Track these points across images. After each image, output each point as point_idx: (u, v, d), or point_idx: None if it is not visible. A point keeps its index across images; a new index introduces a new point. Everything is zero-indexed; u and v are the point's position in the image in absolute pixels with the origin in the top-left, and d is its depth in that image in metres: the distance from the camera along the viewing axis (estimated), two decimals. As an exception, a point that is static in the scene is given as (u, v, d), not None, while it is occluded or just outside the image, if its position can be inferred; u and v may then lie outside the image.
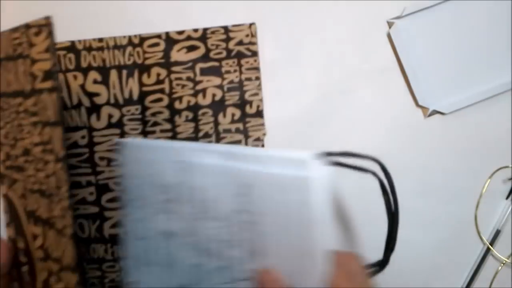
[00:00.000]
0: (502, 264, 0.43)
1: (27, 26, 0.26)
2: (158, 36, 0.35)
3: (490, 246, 0.43)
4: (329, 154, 0.29)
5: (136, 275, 0.31)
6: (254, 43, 0.32)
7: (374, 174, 0.31)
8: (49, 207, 0.27)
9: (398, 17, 0.42)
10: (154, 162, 0.29)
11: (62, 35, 0.35)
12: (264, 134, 0.33)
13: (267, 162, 0.27)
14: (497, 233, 0.43)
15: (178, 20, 0.37)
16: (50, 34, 0.25)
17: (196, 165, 0.29)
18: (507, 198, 0.43)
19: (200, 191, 0.29)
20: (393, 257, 0.43)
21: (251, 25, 0.33)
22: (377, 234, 0.33)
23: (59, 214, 0.26)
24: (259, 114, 0.33)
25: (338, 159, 0.29)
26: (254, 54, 0.32)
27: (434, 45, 0.42)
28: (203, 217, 0.29)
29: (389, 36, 0.42)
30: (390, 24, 0.42)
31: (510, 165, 0.43)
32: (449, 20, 0.42)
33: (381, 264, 0.34)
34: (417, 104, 0.43)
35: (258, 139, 0.32)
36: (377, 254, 0.33)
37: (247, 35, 0.32)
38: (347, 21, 0.42)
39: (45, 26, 0.25)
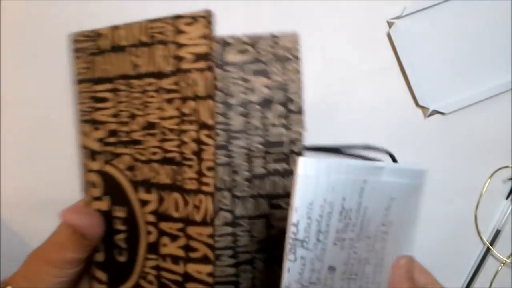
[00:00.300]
0: (502, 264, 0.43)
1: (177, 17, 0.30)
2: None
3: (490, 246, 0.43)
4: (349, 147, 0.36)
5: None
6: (297, 49, 0.34)
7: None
8: (175, 172, 0.30)
9: (398, 17, 0.41)
10: (345, 183, 0.26)
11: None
12: (304, 128, 0.35)
13: (405, 175, 0.29)
14: (497, 233, 0.43)
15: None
16: (210, 24, 0.29)
17: (372, 184, 0.27)
18: (507, 198, 0.43)
19: (364, 212, 0.28)
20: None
21: (295, 34, 0.35)
22: None
23: (192, 176, 0.30)
24: (299, 111, 0.34)
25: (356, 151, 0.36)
26: (297, 58, 0.35)
27: (434, 45, 0.42)
28: (357, 240, 0.28)
29: (389, 36, 0.42)
30: (390, 24, 0.42)
31: (510, 165, 0.43)
32: (449, 20, 0.42)
33: None
34: (417, 104, 0.43)
35: (298, 132, 0.34)
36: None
37: (291, 42, 0.34)
38: (347, 21, 0.42)
39: (202, 17, 0.29)
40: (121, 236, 0.32)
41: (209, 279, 0.30)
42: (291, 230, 0.26)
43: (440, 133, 0.43)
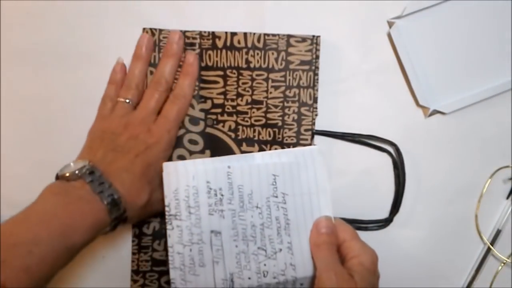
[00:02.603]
0: (503, 264, 0.43)
1: (290, 36, 0.42)
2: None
3: (490, 246, 0.43)
4: (355, 135, 0.42)
5: (182, 284, 0.36)
6: (318, 50, 0.42)
7: (389, 152, 0.43)
8: (276, 133, 0.42)
9: (398, 17, 0.42)
10: (204, 172, 0.37)
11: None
12: (316, 115, 0.42)
13: (284, 156, 0.38)
14: (498, 233, 0.43)
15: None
16: (314, 43, 0.42)
17: (237, 168, 0.37)
18: (507, 198, 0.44)
19: (238, 189, 0.37)
20: (393, 257, 0.43)
21: (317, 37, 0.42)
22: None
23: (291, 135, 0.42)
24: (315, 100, 0.42)
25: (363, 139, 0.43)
26: (317, 57, 0.42)
27: (434, 45, 0.42)
28: (241, 210, 0.37)
29: (389, 36, 0.42)
30: (390, 24, 0.42)
31: (510, 165, 0.43)
32: (449, 20, 0.42)
33: (387, 221, 0.43)
34: (417, 104, 0.43)
35: (313, 118, 0.42)
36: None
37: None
38: (347, 21, 0.42)
39: (309, 39, 0.41)
40: None
41: None
42: (165, 209, 0.36)
43: (440, 133, 0.43)
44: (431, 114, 0.43)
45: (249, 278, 0.36)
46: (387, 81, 0.43)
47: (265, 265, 0.37)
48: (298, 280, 0.37)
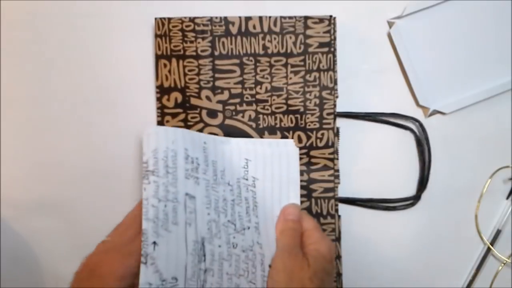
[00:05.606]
0: (503, 264, 0.43)
1: (306, 17, 0.41)
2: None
3: (490, 246, 0.43)
4: (379, 114, 0.42)
5: (154, 237, 0.34)
6: (335, 31, 0.41)
7: (412, 130, 0.43)
8: (298, 119, 0.42)
9: (398, 17, 0.42)
10: (183, 139, 0.37)
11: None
12: (337, 97, 0.42)
13: (258, 145, 0.40)
14: (498, 233, 0.43)
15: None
16: (331, 24, 0.41)
17: (212, 145, 0.38)
18: (507, 198, 0.43)
19: (212, 163, 0.38)
20: (393, 257, 0.43)
21: (334, 18, 0.41)
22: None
23: (314, 120, 0.42)
24: (335, 82, 0.42)
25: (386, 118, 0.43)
26: (335, 38, 0.41)
27: (434, 45, 0.42)
28: (214, 183, 0.38)
29: (389, 36, 0.42)
30: (390, 24, 0.42)
31: (510, 165, 0.43)
32: (449, 20, 0.42)
33: (415, 198, 0.43)
34: (417, 104, 0.43)
35: (334, 101, 0.42)
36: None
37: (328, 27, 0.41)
38: (346, 20, 0.42)
39: (327, 20, 0.41)
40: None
41: (331, 178, 0.42)
42: (143, 165, 0.36)
43: (440, 133, 0.43)
44: (431, 114, 0.43)
45: (219, 246, 0.37)
46: (387, 81, 0.43)
47: (234, 237, 0.37)
48: (266, 258, 0.37)
